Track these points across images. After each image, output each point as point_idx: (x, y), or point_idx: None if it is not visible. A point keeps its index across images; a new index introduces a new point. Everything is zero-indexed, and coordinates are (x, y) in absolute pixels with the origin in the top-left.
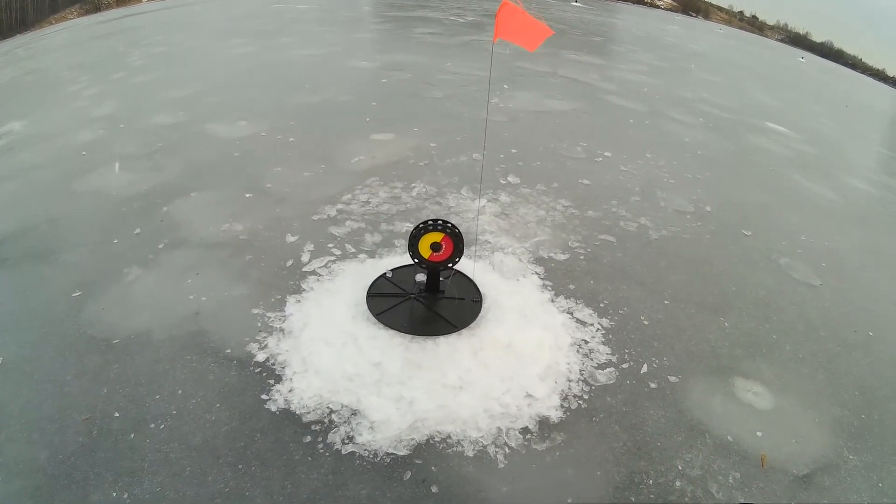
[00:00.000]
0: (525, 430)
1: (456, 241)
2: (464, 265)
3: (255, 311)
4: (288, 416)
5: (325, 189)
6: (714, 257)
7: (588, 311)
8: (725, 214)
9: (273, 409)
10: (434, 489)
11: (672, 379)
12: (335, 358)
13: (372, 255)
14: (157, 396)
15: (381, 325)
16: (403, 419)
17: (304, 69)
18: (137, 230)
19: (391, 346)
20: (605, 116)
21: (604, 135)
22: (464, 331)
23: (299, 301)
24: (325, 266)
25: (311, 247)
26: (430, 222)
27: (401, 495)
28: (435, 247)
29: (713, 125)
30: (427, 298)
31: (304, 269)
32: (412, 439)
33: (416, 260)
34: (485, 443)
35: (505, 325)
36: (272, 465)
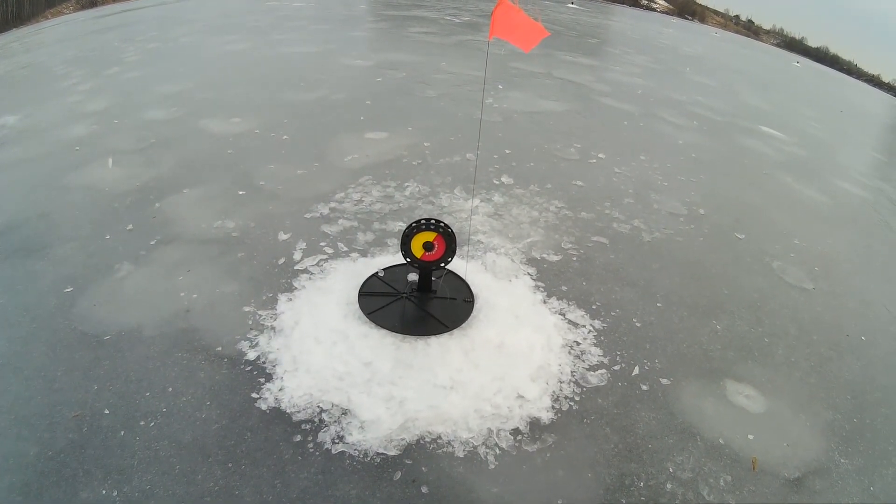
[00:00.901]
0: (516, 431)
1: (448, 241)
2: (456, 265)
3: (247, 308)
4: (278, 414)
5: (318, 187)
6: (707, 260)
7: (580, 312)
8: (719, 217)
9: (263, 407)
10: (424, 489)
11: (664, 381)
12: (326, 357)
13: (364, 253)
14: (148, 394)
15: (373, 325)
16: (394, 419)
17: (299, 67)
18: (129, 226)
19: (382, 345)
20: (599, 118)
21: (598, 136)
22: (455, 331)
23: (291, 299)
24: (317, 264)
25: (303, 245)
26: (422, 221)
27: (391, 495)
28: (427, 246)
29: (707, 128)
30: (419, 298)
31: (295, 268)
32: (402, 439)
33: (408, 259)
34: (475, 443)
35: (497, 326)
36: (262, 464)
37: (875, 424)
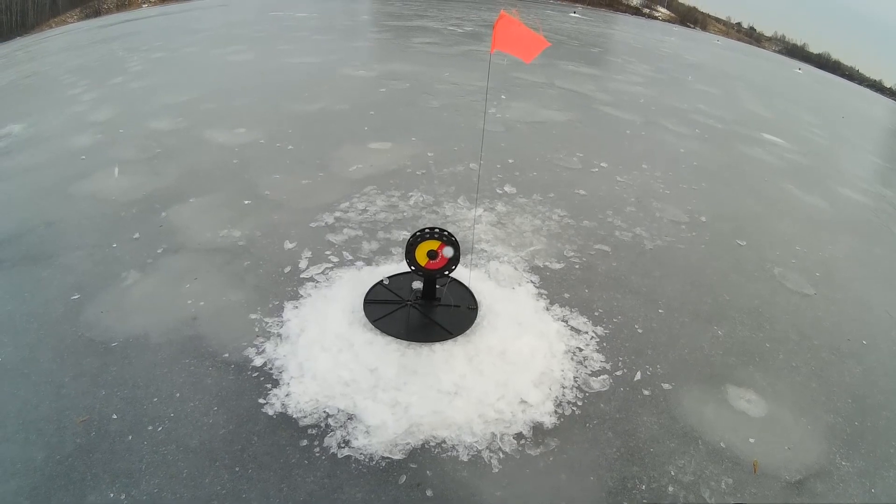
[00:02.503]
0: (519, 436)
1: (453, 250)
2: (460, 273)
3: (253, 316)
4: (285, 420)
5: (323, 197)
6: (708, 267)
7: (583, 319)
8: (720, 224)
9: (270, 412)
10: (429, 493)
11: (665, 386)
12: (332, 363)
13: (369, 262)
14: (155, 399)
15: (378, 332)
16: (399, 424)
17: (303, 77)
18: (136, 235)
19: (387, 351)
20: (602, 127)
21: (600, 145)
22: (459, 337)
23: (297, 307)
24: (323, 273)
25: (308, 254)
26: (426, 230)
27: (396, 499)
28: (431, 255)
29: (709, 136)
30: (423, 305)
31: (301, 276)
32: (407, 444)
33: (412, 267)
34: (479, 448)
35: (500, 333)
36: (269, 469)
37: (876, 427)
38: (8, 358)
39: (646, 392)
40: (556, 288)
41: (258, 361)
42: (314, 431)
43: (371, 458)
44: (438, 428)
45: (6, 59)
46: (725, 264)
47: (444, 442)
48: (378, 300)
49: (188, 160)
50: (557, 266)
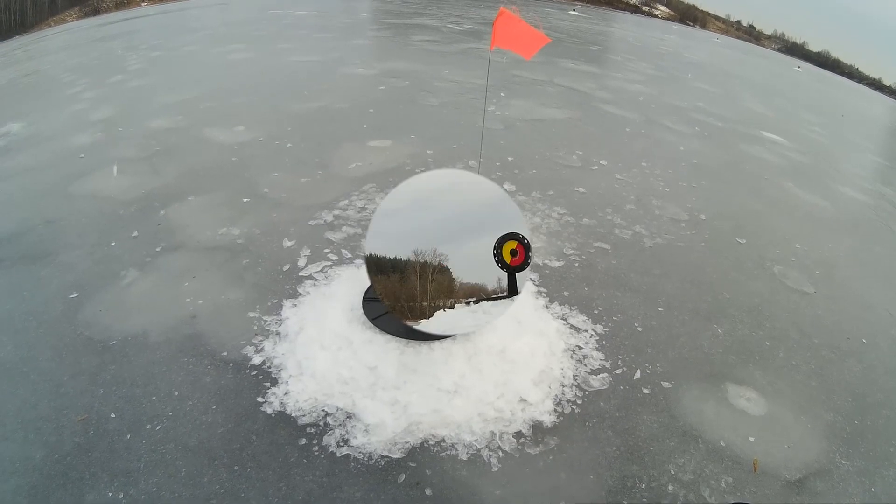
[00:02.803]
0: (518, 435)
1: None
2: None
3: (252, 314)
4: (283, 418)
5: (322, 195)
6: (708, 265)
7: (582, 317)
8: (720, 223)
9: (269, 411)
10: (428, 492)
11: (665, 385)
12: (331, 362)
13: None
14: (154, 398)
15: (377, 330)
16: (398, 423)
17: (302, 75)
18: (135, 233)
19: (386, 350)
20: (601, 125)
21: (599, 143)
22: (459, 336)
23: (295, 305)
24: (322, 271)
25: (307, 252)
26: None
27: (395, 498)
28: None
29: (708, 134)
30: None
31: (300, 274)
32: (406, 442)
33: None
34: (479, 446)
35: (499, 331)
36: (267, 467)
37: (876, 426)
38: (7, 356)
39: (645, 390)
40: (556, 286)
41: (257, 360)
42: (313, 430)
43: (370, 457)
44: (438, 427)
45: (5, 58)
46: (725, 262)
47: (443, 441)
48: (377, 298)
49: (187, 159)
50: (557, 264)
